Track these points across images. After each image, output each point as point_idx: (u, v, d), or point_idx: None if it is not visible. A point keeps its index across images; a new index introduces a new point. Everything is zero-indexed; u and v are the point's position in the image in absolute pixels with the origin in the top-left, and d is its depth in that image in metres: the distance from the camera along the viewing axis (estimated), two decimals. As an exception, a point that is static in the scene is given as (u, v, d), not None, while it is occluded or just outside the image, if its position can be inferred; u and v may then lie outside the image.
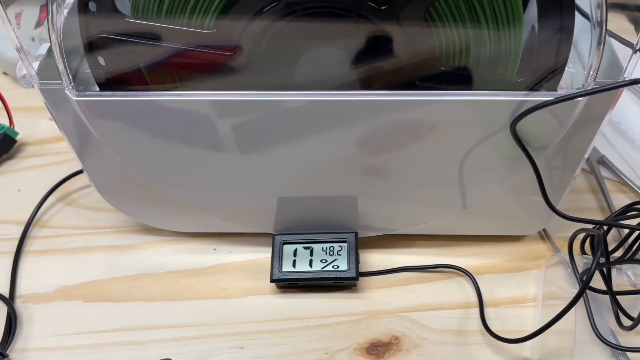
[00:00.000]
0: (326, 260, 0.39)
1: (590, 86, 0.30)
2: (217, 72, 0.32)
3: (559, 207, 0.38)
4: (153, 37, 0.31)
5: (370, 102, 0.31)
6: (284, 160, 0.36)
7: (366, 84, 0.32)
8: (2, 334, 0.38)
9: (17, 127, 0.49)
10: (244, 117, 0.33)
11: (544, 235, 0.43)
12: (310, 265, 0.39)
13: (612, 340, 0.36)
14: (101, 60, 0.32)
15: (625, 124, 0.46)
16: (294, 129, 0.34)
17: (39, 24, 0.52)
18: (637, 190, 0.45)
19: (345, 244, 0.40)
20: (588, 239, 0.38)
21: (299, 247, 0.40)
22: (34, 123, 0.51)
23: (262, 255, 0.42)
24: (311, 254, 0.40)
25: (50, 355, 0.37)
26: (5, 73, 0.55)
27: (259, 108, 0.32)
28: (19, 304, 0.40)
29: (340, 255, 0.39)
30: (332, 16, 0.30)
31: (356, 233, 0.40)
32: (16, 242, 0.43)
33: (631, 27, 0.30)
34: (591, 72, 0.30)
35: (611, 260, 0.36)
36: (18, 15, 0.54)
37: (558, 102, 0.29)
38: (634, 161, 0.46)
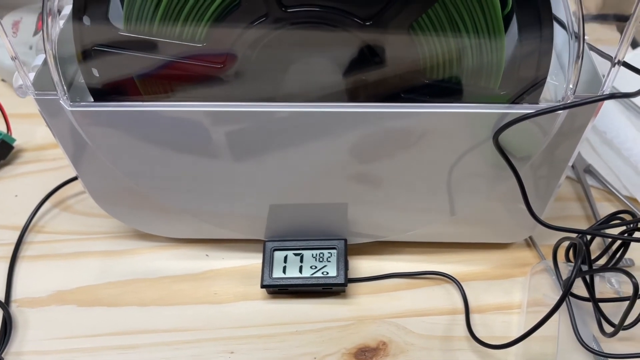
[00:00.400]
0: (316, 267, 0.40)
1: (570, 99, 0.31)
2: (208, 83, 0.33)
3: (544, 215, 0.39)
4: (145, 49, 0.32)
5: (357, 113, 0.32)
6: (274, 169, 0.36)
7: (353, 95, 0.33)
8: (-2, 338, 0.39)
9: (14, 134, 0.50)
10: (234, 127, 0.34)
11: (530, 243, 0.44)
12: (300, 271, 0.40)
13: (595, 347, 0.36)
14: (95, 72, 0.32)
15: (611, 134, 0.46)
16: (283, 139, 0.34)
17: (37, 32, 0.53)
18: (622, 199, 0.46)
19: (335, 251, 0.41)
20: (572, 247, 0.39)
21: (290, 253, 0.41)
22: (31, 130, 0.52)
23: (253, 261, 0.43)
24: (301, 261, 0.40)
25: (45, 359, 0.38)
26: (3, 80, 0.56)
27: (249, 118, 0.33)
28: (14, 308, 0.41)
29: (329, 261, 0.40)
30: (319, 31, 0.31)
31: (345, 240, 0.41)
32: (12, 247, 0.44)
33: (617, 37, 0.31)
34: (570, 86, 0.30)
35: (594, 268, 0.36)
36: (17, 23, 0.55)
37: (538, 114, 0.30)
38: (619, 170, 0.46)
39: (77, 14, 0.30)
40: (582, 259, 0.35)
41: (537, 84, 0.31)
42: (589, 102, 0.30)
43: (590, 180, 0.47)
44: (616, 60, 0.30)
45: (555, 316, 0.34)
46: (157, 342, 0.39)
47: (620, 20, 0.34)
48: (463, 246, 0.43)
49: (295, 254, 0.41)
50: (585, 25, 0.29)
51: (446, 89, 0.32)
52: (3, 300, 0.41)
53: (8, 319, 0.39)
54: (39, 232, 0.45)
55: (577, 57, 0.30)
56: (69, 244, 0.44)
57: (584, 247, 0.35)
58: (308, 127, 0.33)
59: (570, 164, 0.36)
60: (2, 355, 0.38)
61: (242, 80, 0.32)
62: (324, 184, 0.38)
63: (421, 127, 0.33)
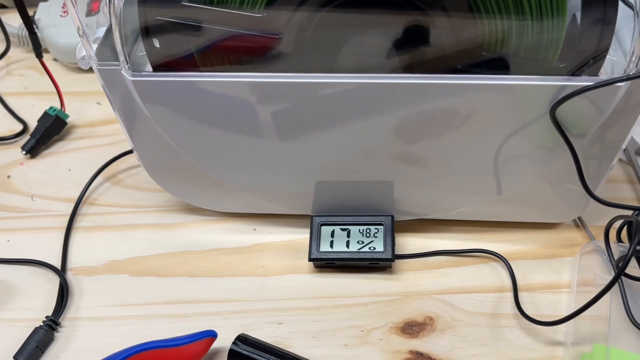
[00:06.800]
0: (363, 242, 0.40)
1: (633, 71, 0.30)
2: (264, 56, 0.33)
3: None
4: (205, 19, 0.32)
5: (413, 85, 0.32)
6: (323, 145, 0.37)
7: (408, 71, 0.33)
8: (55, 304, 0.40)
9: (67, 110, 0.52)
10: (287, 100, 0.34)
11: (578, 223, 0.43)
12: (347, 246, 0.40)
13: (647, 327, 0.36)
14: (156, 43, 0.33)
15: (664, 116, 0.45)
16: (335, 113, 0.35)
17: (89, 13, 0.55)
18: (675, 181, 0.45)
19: (382, 227, 0.41)
20: (625, 227, 0.38)
21: (337, 228, 0.41)
22: (83, 107, 0.54)
23: (300, 236, 0.43)
24: (348, 235, 0.41)
25: (100, 325, 0.39)
26: (56, 59, 0.58)
27: (303, 90, 0.33)
28: (70, 276, 0.42)
29: (376, 237, 0.40)
30: (377, 1, 0.31)
31: (392, 216, 0.41)
32: (67, 219, 0.45)
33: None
34: (633, 58, 0.30)
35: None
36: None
37: (600, 86, 0.30)
38: (672, 153, 0.45)
39: (142, -15, 0.31)
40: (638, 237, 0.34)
41: (598, 56, 0.31)
42: (654, 72, 0.29)
43: (641, 163, 0.46)
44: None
45: (606, 296, 0.34)
46: (207, 311, 0.40)
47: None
48: (510, 225, 0.43)
49: (342, 229, 0.41)
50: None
51: (504, 63, 0.32)
52: (60, 268, 0.42)
53: (65, 286, 0.41)
54: (92, 205, 0.47)
55: (642, 28, 0.29)
56: (120, 216, 0.46)
57: None
58: (362, 100, 0.33)
59: (624, 145, 0.36)
60: (60, 320, 0.39)
61: (298, 53, 0.33)
62: (372, 162, 0.38)
63: (478, 101, 0.33)
